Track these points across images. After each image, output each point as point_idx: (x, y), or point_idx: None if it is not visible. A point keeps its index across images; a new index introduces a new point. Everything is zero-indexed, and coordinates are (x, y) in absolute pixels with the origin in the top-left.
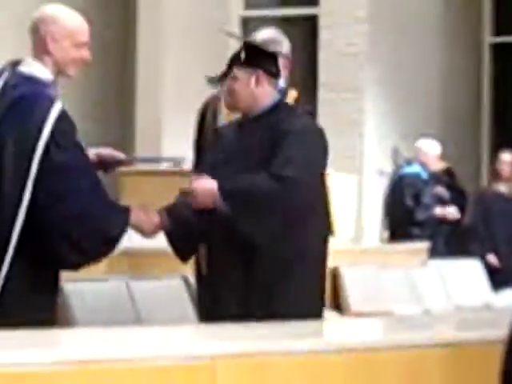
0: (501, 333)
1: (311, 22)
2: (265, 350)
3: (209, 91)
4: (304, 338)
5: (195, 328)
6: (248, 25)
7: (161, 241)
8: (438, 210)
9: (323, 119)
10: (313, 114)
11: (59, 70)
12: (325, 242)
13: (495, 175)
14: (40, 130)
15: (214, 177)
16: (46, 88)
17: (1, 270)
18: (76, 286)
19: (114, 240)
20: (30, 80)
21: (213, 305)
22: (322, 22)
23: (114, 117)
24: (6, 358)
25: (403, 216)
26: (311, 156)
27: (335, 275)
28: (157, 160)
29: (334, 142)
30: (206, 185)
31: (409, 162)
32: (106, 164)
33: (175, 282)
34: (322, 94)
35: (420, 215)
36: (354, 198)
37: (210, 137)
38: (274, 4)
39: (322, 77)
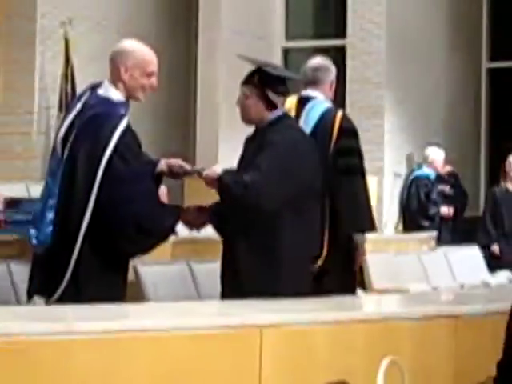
0: (496, 306)
1: (340, 51)
2: (305, 321)
3: None
4: (337, 310)
5: (245, 302)
6: (288, 54)
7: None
8: (442, 210)
9: None
10: (356, 131)
11: (130, 95)
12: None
13: (504, 175)
14: (107, 143)
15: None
16: (118, 107)
17: (72, 255)
18: (148, 268)
19: (165, 233)
20: (105, 101)
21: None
22: (349, 52)
23: (177, 132)
24: (87, 326)
25: (417, 210)
26: (279, 164)
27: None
28: None
29: None
30: (211, 174)
31: (420, 166)
32: (174, 173)
33: None
34: (349, 113)
35: (431, 210)
36: (375, 195)
37: None
38: (308, 36)
39: (348, 97)
